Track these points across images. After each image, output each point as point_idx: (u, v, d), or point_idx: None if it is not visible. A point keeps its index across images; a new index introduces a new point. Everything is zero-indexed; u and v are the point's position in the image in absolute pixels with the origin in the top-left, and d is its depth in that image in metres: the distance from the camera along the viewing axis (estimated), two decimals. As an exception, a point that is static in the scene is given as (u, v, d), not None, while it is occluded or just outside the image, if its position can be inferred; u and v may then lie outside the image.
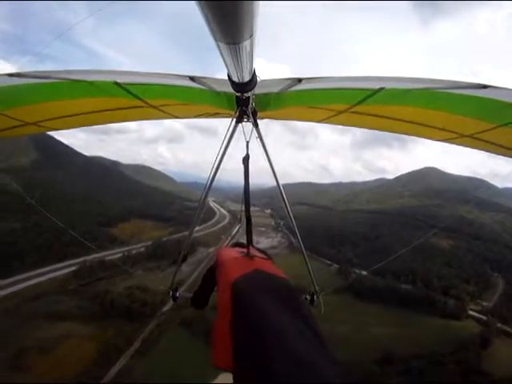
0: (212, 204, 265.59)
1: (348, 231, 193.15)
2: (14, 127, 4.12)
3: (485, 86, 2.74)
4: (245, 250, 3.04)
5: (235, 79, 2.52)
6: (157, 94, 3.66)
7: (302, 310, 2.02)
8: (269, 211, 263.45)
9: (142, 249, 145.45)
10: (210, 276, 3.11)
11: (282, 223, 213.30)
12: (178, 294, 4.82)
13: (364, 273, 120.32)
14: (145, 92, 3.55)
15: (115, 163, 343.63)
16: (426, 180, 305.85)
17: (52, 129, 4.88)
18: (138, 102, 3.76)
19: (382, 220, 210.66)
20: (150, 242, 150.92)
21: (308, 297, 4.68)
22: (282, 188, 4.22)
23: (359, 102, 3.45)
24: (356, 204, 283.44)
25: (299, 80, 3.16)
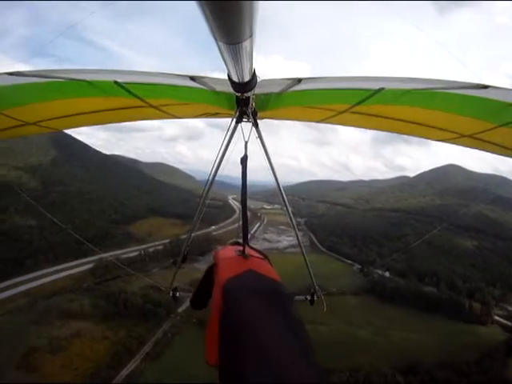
0: (231, 202, 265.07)
1: (370, 230, 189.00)
2: (14, 127, 4.13)
3: (485, 86, 2.82)
4: (241, 249, 3.13)
5: (235, 79, 2.54)
6: (157, 94, 3.67)
7: (287, 313, 2.08)
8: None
9: (160, 247, 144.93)
10: (209, 276, 3.17)
11: (302, 222, 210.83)
12: (177, 294, 4.81)
13: (387, 274, 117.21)
14: (145, 92, 3.57)
15: (134, 161, 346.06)
16: (447, 178, 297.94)
17: (52, 129, 4.84)
18: (138, 102, 3.77)
19: (405, 219, 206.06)
20: (168, 240, 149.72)
21: (308, 297, 4.70)
22: (281, 187, 4.24)
23: (359, 102, 3.50)
24: (377, 202, 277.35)
25: (299, 80, 3.21)
